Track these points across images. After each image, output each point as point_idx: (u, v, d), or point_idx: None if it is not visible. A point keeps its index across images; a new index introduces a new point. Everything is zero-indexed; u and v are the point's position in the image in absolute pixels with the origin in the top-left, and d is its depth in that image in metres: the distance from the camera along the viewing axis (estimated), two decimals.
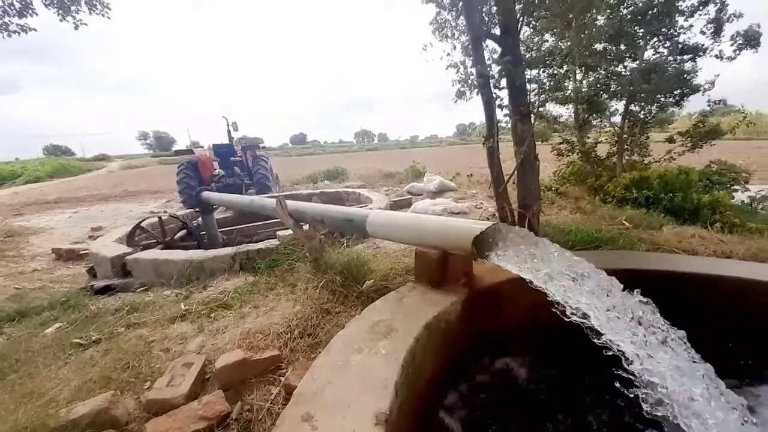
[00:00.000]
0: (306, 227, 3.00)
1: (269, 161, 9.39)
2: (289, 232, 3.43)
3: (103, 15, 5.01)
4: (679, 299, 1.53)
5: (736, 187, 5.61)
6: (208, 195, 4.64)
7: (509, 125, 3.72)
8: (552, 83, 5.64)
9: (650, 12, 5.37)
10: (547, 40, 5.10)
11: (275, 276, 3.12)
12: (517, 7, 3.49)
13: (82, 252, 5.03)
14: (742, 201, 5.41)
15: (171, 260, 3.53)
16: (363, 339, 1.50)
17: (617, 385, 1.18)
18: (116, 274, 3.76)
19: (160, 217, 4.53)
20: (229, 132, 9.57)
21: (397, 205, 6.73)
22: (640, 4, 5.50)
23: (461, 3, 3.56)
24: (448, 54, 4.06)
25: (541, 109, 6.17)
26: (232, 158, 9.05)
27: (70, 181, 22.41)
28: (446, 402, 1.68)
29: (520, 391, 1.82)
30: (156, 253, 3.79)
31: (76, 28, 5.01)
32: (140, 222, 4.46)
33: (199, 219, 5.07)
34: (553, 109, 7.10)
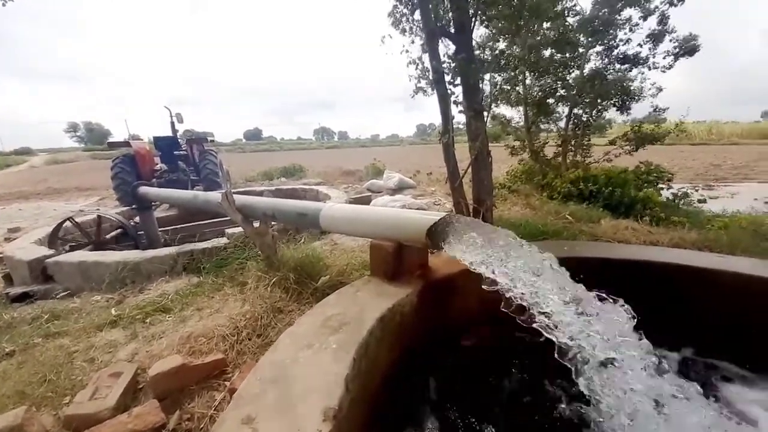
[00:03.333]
0: (257, 224, 2.83)
1: (219, 156, 8.83)
2: (240, 229, 3.24)
3: None
4: (613, 281, 1.63)
5: (661, 185, 6.26)
6: (146, 190, 4.24)
7: (464, 124, 3.83)
8: (505, 85, 5.91)
9: (594, 23, 5.81)
10: (499, 41, 5.31)
11: (223, 276, 2.92)
12: (471, 9, 3.58)
13: None
14: (667, 198, 6.04)
15: (102, 262, 3.17)
16: (314, 334, 1.42)
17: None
18: (35, 280, 3.32)
19: (71, 218, 4.05)
20: (172, 124, 8.83)
21: (357, 202, 6.66)
22: (585, 16, 5.93)
23: None
24: (407, 50, 4.08)
25: (494, 108, 6.45)
26: (175, 152, 8.37)
27: None
28: (402, 395, 1.65)
29: (475, 381, 1.84)
30: (83, 255, 3.38)
31: (4, 4, 4.38)
32: (64, 221, 3.97)
33: (137, 217, 4.62)
34: (505, 111, 7.47)
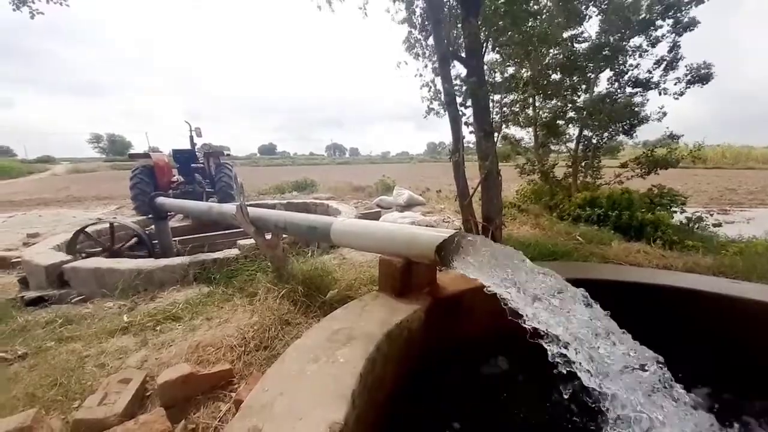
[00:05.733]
0: (269, 236, 2.89)
1: (234, 169, 9.05)
2: (251, 241, 3.29)
3: (60, 3, 4.70)
4: (626, 304, 1.62)
5: (674, 208, 6.16)
6: (163, 201, 4.36)
7: (475, 143, 3.89)
8: (515, 107, 5.99)
9: (603, 51, 5.90)
10: (509, 65, 5.43)
11: (233, 287, 2.96)
12: (483, 35, 3.70)
13: (15, 260, 4.52)
14: (680, 221, 5.93)
15: (116, 269, 3.25)
16: (321, 348, 1.43)
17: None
18: (51, 285, 3.40)
19: (111, 223, 4.17)
20: (191, 137, 9.13)
21: (366, 218, 6.70)
22: (592, 43, 6.03)
23: (430, 25, 3.73)
24: (420, 74, 4.22)
25: (505, 129, 6.52)
26: (192, 165, 8.62)
27: (7, 184, 20.35)
28: (409, 411, 1.63)
29: (482, 398, 1.81)
30: (99, 262, 3.47)
31: (32, 17, 4.67)
32: (83, 228, 4.09)
33: (152, 227, 4.74)
34: (515, 132, 7.55)
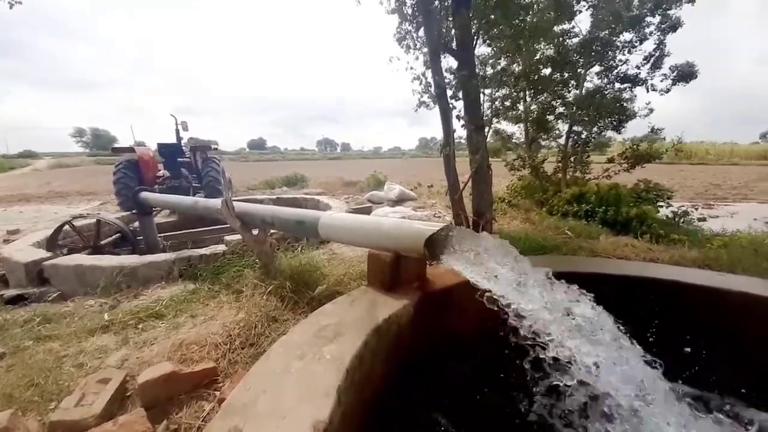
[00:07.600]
0: (256, 231, 2.83)
1: (221, 164, 8.88)
2: (239, 237, 3.23)
3: None
4: (614, 297, 1.61)
5: (660, 203, 6.25)
6: (147, 196, 4.24)
7: (465, 138, 3.86)
8: (506, 101, 5.99)
9: (594, 45, 5.92)
10: (501, 59, 5.41)
11: (219, 283, 2.89)
12: (474, 27, 3.66)
13: None
14: (666, 216, 6.02)
15: (98, 266, 3.15)
16: (307, 344, 1.39)
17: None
18: (31, 282, 3.29)
19: (72, 220, 4.04)
20: (177, 131, 8.92)
21: (357, 213, 6.65)
22: (583, 38, 6.05)
23: (421, 16, 3.67)
24: (411, 67, 4.16)
25: (495, 123, 6.53)
26: (179, 159, 8.43)
27: None
28: (397, 407, 1.61)
29: (471, 392, 1.80)
30: (80, 259, 3.36)
31: (11, 6, 4.48)
32: (64, 224, 3.96)
33: (137, 223, 4.62)
34: (506, 127, 7.57)
